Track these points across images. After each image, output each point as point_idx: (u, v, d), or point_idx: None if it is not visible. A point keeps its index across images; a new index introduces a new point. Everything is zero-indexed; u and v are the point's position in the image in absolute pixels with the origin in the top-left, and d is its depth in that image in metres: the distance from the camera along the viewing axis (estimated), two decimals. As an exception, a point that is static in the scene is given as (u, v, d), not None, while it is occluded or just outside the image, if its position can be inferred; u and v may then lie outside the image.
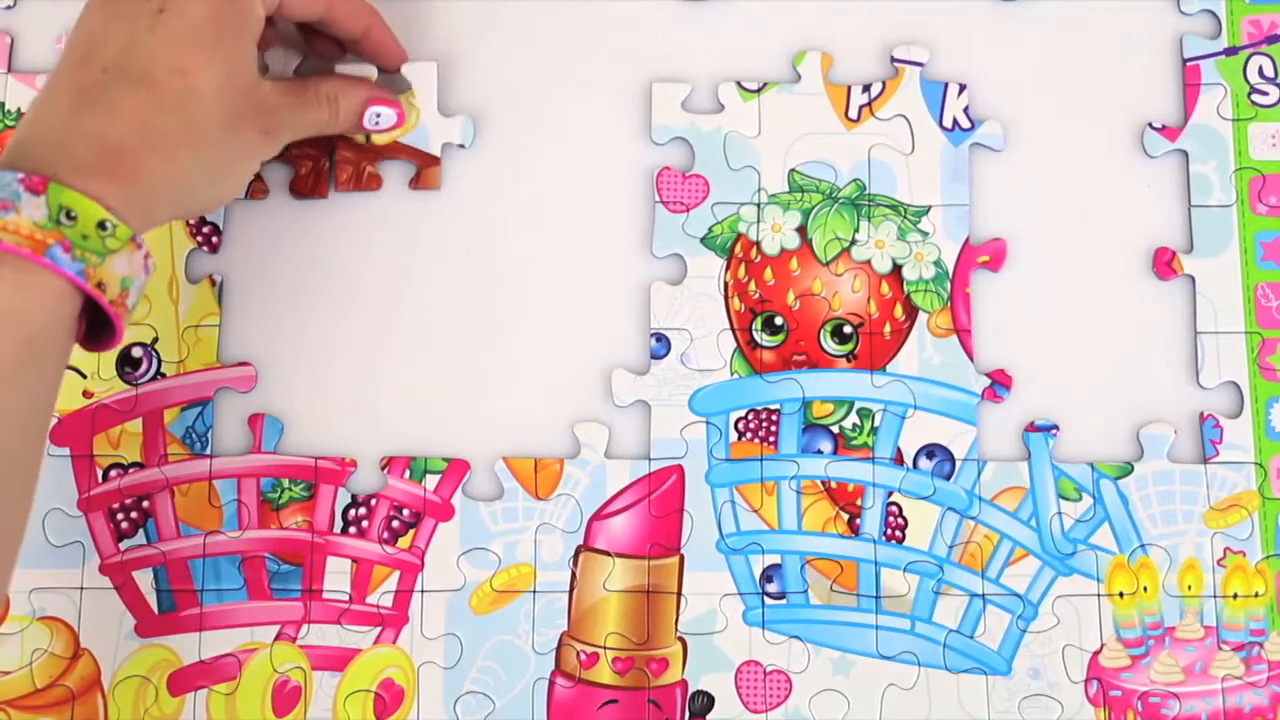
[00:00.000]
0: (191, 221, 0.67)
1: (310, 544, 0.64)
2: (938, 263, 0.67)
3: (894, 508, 0.65)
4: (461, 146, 0.68)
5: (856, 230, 0.67)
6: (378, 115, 0.65)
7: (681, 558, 0.64)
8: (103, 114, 0.54)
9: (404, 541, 0.64)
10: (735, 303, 0.67)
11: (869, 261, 0.67)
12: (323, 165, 0.67)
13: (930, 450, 0.65)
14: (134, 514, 0.64)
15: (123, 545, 0.64)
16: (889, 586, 0.64)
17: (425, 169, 0.68)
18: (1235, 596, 0.64)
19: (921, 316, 0.66)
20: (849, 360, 0.66)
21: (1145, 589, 0.64)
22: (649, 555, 0.64)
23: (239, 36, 0.58)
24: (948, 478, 0.65)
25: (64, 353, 0.53)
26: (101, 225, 0.52)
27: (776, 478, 0.65)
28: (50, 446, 0.64)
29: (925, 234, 0.67)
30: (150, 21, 0.56)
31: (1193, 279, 0.67)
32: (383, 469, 0.65)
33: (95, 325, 0.55)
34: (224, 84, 0.57)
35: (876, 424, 0.65)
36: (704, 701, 0.63)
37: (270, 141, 0.61)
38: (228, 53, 0.57)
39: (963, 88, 0.69)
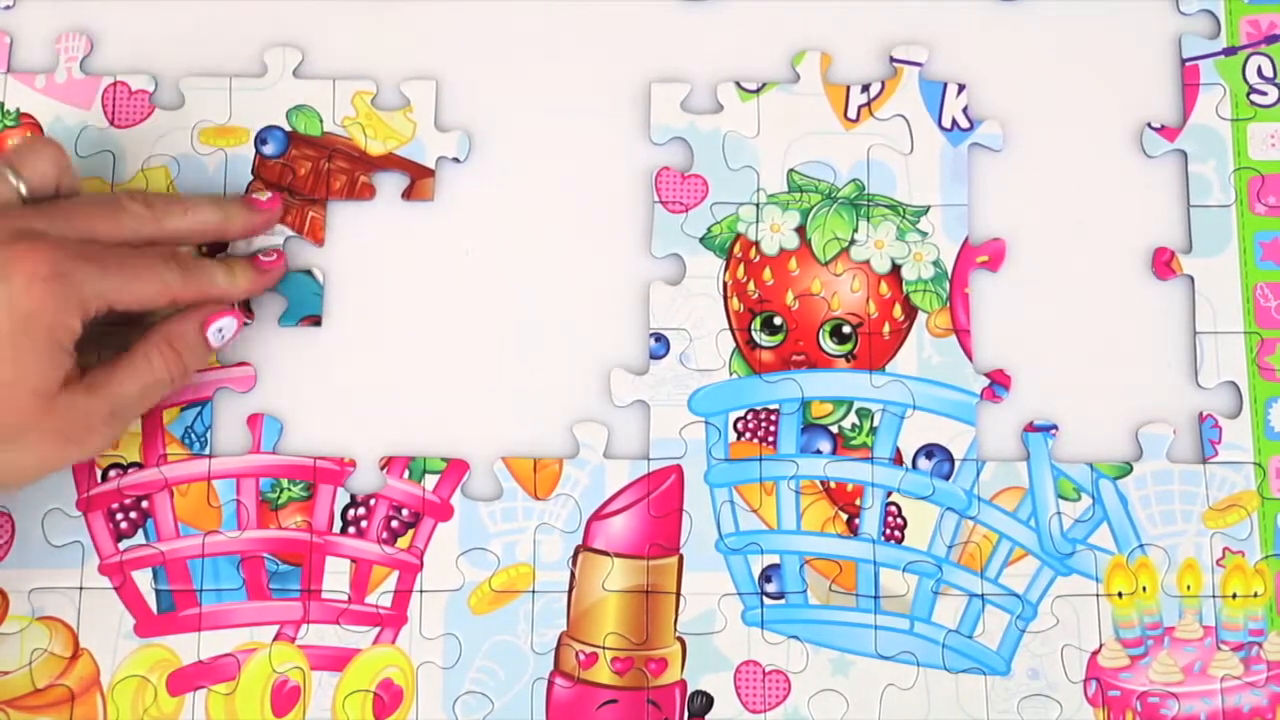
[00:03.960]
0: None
1: (309, 544, 0.64)
2: (937, 263, 0.67)
3: (893, 508, 0.65)
4: (456, 160, 0.68)
5: (855, 230, 0.67)
6: (220, 330, 0.62)
7: (680, 558, 0.64)
8: None
9: (403, 541, 0.64)
10: (734, 303, 0.67)
11: (868, 261, 0.67)
12: (322, 166, 0.67)
13: (929, 450, 0.65)
14: (133, 514, 0.64)
15: (122, 545, 0.64)
16: (888, 586, 0.64)
17: (419, 180, 0.68)
18: (1234, 596, 0.64)
19: (920, 316, 0.66)
20: (848, 360, 0.66)
21: (1144, 589, 0.64)
22: (648, 555, 0.64)
23: (42, 356, 0.55)
24: (947, 478, 0.65)
25: None
26: None
27: (775, 478, 0.65)
28: (50, 446, 0.65)
29: (924, 234, 0.67)
30: None
31: (1192, 279, 0.67)
32: (382, 469, 0.65)
33: None
34: (6, 403, 0.55)
35: (875, 424, 0.65)
36: (703, 701, 0.63)
37: (76, 449, 0.58)
38: (23, 372, 0.55)
39: (962, 88, 0.69)
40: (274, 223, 0.66)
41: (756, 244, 0.67)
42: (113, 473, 0.65)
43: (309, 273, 0.66)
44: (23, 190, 0.59)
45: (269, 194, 0.65)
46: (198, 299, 0.62)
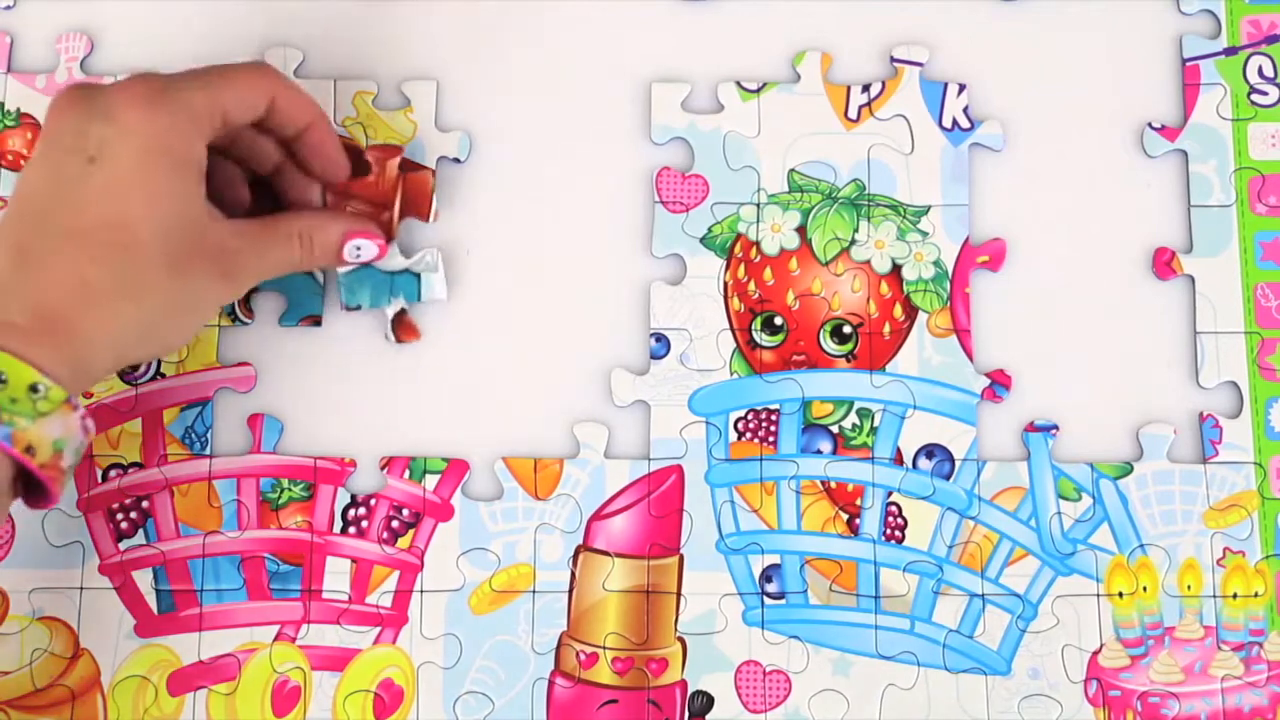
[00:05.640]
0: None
1: (310, 544, 0.64)
2: (937, 263, 0.67)
3: (893, 508, 0.65)
4: (456, 160, 0.68)
5: (856, 230, 0.67)
6: (358, 248, 0.62)
7: (681, 558, 0.64)
8: (37, 272, 0.53)
9: (404, 541, 0.64)
10: (735, 303, 0.67)
11: (868, 261, 0.67)
12: (322, 165, 0.67)
13: (930, 450, 0.65)
14: (134, 514, 0.64)
15: (122, 545, 0.64)
16: (888, 586, 0.64)
17: (415, 174, 0.67)
18: (1235, 596, 0.64)
19: (921, 316, 0.66)
20: (848, 360, 0.66)
21: (1145, 589, 0.64)
22: (648, 555, 0.64)
23: (177, 179, 0.55)
24: (947, 478, 0.65)
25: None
26: (34, 388, 0.52)
27: (776, 478, 0.65)
28: (50, 446, 0.65)
29: (925, 234, 0.67)
30: (81, 172, 0.54)
31: (1192, 279, 0.67)
32: (382, 469, 0.65)
33: (34, 485, 0.54)
34: (164, 232, 0.55)
35: (876, 424, 0.65)
36: (703, 701, 0.63)
37: (230, 286, 0.58)
38: (165, 199, 0.55)
39: (962, 88, 0.69)
40: None
41: (757, 244, 0.67)
42: (113, 473, 0.65)
43: (309, 273, 0.66)
44: None
45: None
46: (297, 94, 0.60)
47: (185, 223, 0.56)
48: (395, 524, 0.64)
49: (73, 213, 0.54)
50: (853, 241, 0.67)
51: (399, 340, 0.66)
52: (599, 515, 0.64)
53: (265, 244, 0.60)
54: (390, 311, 0.65)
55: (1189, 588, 0.64)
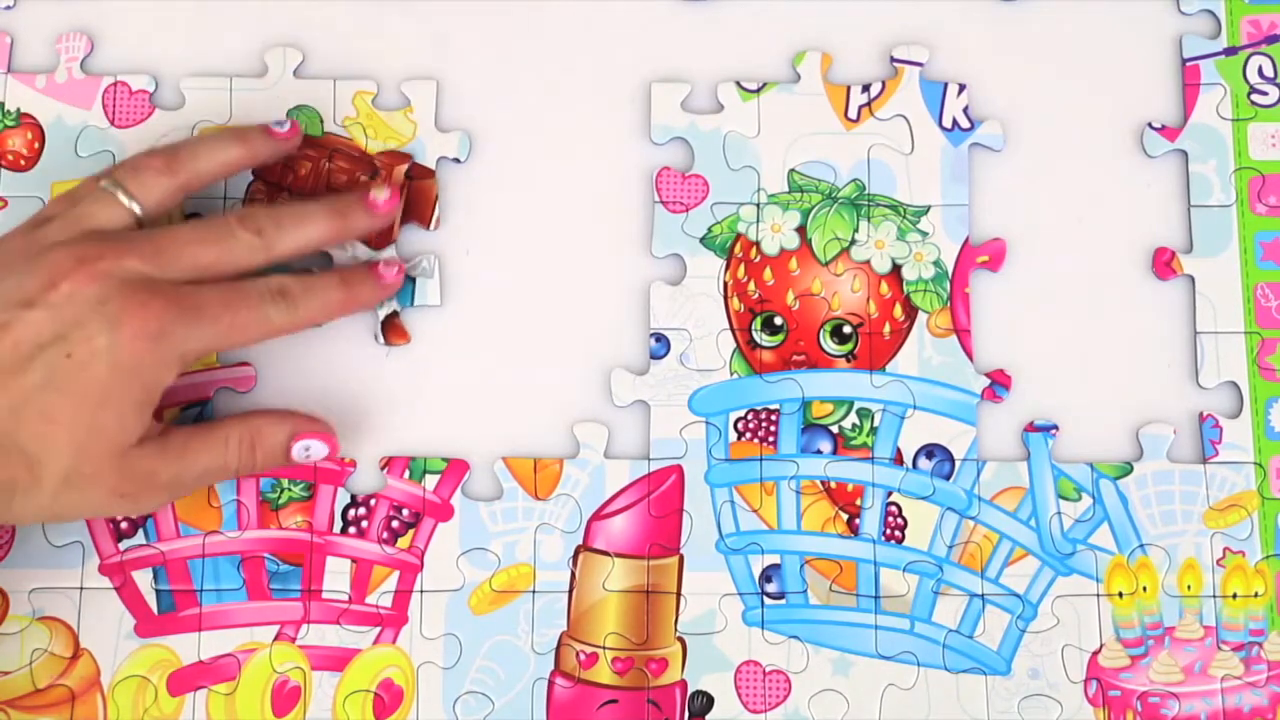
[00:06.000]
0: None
1: (310, 544, 0.64)
2: (937, 263, 0.67)
3: (893, 508, 0.65)
4: (456, 160, 0.68)
5: (856, 230, 0.67)
6: (306, 449, 0.61)
7: (681, 558, 0.64)
8: None
9: (403, 542, 0.64)
10: (735, 303, 0.67)
11: (868, 261, 0.67)
12: (323, 166, 0.67)
13: (930, 450, 0.65)
14: (134, 514, 0.64)
15: (122, 545, 0.64)
16: (888, 586, 0.64)
17: (420, 181, 0.68)
18: (1235, 596, 0.64)
19: (921, 316, 0.66)
20: (848, 360, 0.66)
21: (1144, 589, 0.64)
22: (648, 555, 0.64)
23: (127, 404, 0.55)
24: (947, 478, 0.65)
25: None
26: None
27: (776, 478, 0.65)
28: (50, 447, 0.64)
29: (925, 234, 0.67)
30: (50, 362, 0.54)
31: (1192, 279, 0.67)
32: (382, 469, 0.65)
33: None
34: (76, 467, 0.55)
35: (876, 424, 0.65)
36: (703, 701, 0.63)
37: (130, 505, 0.58)
38: (105, 420, 0.55)
39: (962, 88, 0.69)
40: (395, 214, 0.64)
41: (757, 244, 0.67)
42: (113, 473, 0.65)
43: (309, 273, 0.66)
44: (137, 211, 0.59)
45: (386, 192, 0.62)
46: (307, 326, 0.61)
47: (109, 450, 0.56)
48: (395, 524, 0.64)
49: (18, 401, 0.54)
50: (853, 241, 0.67)
51: (388, 342, 0.66)
52: (599, 515, 0.64)
53: (193, 459, 0.59)
54: (381, 313, 0.66)
55: (1189, 588, 0.64)
